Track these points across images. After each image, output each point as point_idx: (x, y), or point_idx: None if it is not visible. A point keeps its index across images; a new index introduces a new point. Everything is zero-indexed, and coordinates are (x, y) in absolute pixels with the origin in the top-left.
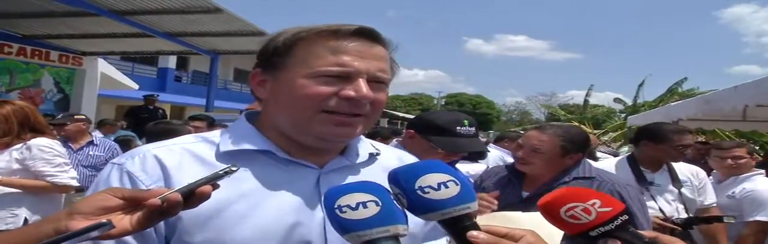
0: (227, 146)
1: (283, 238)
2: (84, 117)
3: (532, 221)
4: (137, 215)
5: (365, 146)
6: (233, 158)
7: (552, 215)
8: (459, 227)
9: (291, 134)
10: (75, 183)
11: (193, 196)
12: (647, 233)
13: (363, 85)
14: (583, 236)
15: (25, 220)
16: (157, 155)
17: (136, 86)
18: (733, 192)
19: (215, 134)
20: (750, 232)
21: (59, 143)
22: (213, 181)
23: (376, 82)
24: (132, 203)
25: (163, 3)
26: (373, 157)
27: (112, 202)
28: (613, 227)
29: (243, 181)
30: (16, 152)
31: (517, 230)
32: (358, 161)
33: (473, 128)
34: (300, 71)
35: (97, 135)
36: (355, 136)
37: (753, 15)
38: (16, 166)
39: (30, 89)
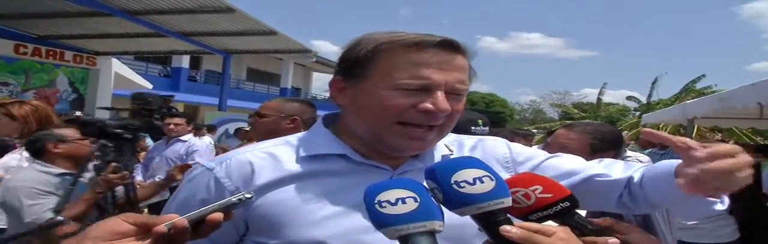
0: (305, 150)
1: (359, 237)
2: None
3: None
4: (147, 241)
5: (439, 148)
6: (311, 162)
7: None
8: (492, 221)
9: (367, 141)
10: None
11: (203, 223)
12: (602, 220)
13: (441, 98)
14: (524, 220)
15: None
16: (241, 160)
17: (149, 86)
18: None
19: (297, 138)
20: None
21: None
22: (225, 209)
23: (454, 94)
24: (143, 229)
25: (176, 3)
26: (446, 158)
27: (124, 227)
28: (551, 212)
29: (319, 182)
30: (28, 151)
31: (550, 226)
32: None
33: (487, 128)
34: (381, 82)
35: None
36: (426, 148)
37: None
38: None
39: (45, 89)
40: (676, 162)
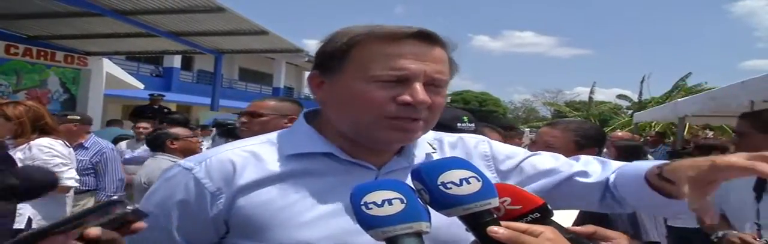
0: (289, 149)
1: (350, 238)
2: (78, 117)
3: None
4: None
5: (422, 146)
6: (295, 161)
7: None
8: (479, 222)
9: (351, 136)
10: (73, 184)
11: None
12: (584, 228)
13: (419, 90)
14: None
15: (29, 219)
16: (221, 159)
17: (141, 86)
18: None
19: (279, 136)
20: None
21: (62, 143)
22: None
23: (434, 86)
24: None
25: (166, 3)
26: (429, 157)
27: None
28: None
29: (305, 183)
30: (20, 152)
31: (537, 226)
32: (415, 161)
33: (473, 124)
34: (357, 75)
35: (91, 137)
36: (413, 140)
37: (765, 8)
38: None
39: (36, 90)
40: (645, 165)
